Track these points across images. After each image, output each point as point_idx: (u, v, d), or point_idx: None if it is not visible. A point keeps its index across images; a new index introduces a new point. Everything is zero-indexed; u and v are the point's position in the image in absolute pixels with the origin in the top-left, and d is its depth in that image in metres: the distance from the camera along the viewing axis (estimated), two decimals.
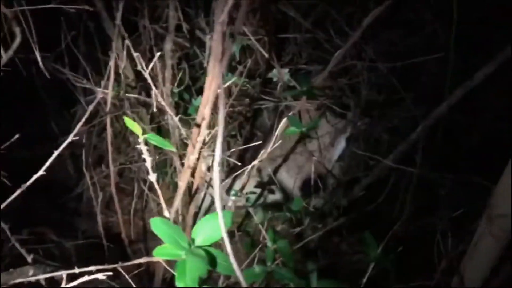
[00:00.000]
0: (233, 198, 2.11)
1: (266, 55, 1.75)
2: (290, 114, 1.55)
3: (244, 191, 2.06)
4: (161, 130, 2.38)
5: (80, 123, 1.45)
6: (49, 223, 2.43)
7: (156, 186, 1.01)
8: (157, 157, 2.47)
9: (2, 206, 1.33)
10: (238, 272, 0.77)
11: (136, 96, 1.82)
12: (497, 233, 1.09)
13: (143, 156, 1.02)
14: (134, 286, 1.43)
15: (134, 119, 2.26)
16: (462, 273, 1.20)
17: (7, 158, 1.53)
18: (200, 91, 2.40)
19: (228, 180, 2.16)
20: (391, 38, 1.92)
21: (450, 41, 1.56)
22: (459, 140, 1.86)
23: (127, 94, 1.86)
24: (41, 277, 1.10)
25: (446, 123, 1.78)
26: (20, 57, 1.73)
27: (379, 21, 1.47)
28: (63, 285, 1.27)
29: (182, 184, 1.35)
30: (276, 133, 1.67)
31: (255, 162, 1.72)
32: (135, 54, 1.27)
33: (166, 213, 1.00)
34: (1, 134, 1.62)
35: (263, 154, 1.74)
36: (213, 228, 0.98)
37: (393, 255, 1.22)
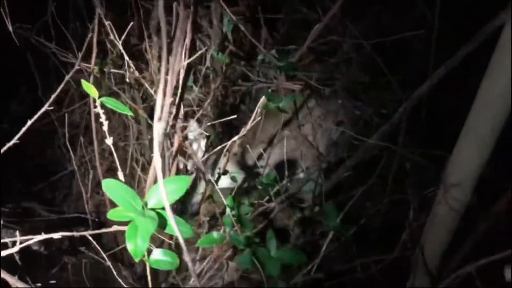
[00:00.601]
0: (225, 177, 2.12)
1: (249, 36, 1.73)
2: (269, 91, 1.54)
3: (229, 170, 2.07)
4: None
5: (55, 94, 1.47)
6: (40, 199, 2.48)
7: (113, 150, 1.01)
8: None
9: None
10: (175, 229, 0.78)
11: (120, 71, 1.82)
12: (452, 203, 1.08)
13: (101, 120, 1.02)
14: (105, 256, 1.46)
15: (123, 100, 2.30)
16: (423, 245, 1.19)
17: None
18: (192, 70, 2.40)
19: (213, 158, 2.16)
20: (380, 19, 1.89)
21: (434, 18, 1.53)
22: (444, 121, 1.84)
23: (112, 70, 1.86)
24: (7, 240, 1.12)
25: (430, 104, 1.76)
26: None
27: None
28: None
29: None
30: (256, 109, 1.67)
31: (234, 138, 1.73)
32: (106, 23, 1.27)
33: (120, 175, 1.01)
34: None
35: (243, 131, 1.75)
36: (170, 191, 0.98)
37: (350, 226, 1.21)
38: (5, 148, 1.36)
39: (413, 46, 1.80)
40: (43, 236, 1.09)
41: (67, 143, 1.92)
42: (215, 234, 1.13)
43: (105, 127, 1.00)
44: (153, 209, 0.97)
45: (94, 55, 1.73)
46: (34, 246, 1.44)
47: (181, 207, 2.22)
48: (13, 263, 1.48)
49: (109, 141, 1.01)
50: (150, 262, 0.99)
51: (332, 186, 2.00)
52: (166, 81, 1.13)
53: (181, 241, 0.76)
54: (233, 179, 2.02)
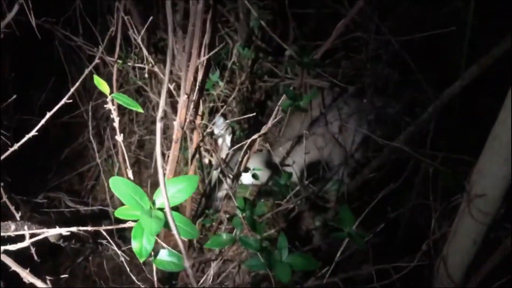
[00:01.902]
0: (247, 174, 2.09)
1: (269, 31, 1.69)
2: (290, 88, 1.50)
3: (251, 168, 2.04)
4: None
5: (75, 86, 1.47)
6: (67, 190, 2.53)
7: (122, 147, 1.00)
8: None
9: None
10: (174, 230, 0.75)
11: (144, 66, 1.81)
12: (475, 214, 1.01)
13: (112, 116, 1.01)
14: (116, 248, 1.46)
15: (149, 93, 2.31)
16: (445, 256, 1.12)
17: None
18: (219, 65, 2.38)
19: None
20: (410, 15, 1.80)
21: (469, 13, 1.44)
22: (478, 123, 1.73)
23: (136, 64, 1.86)
24: (22, 232, 1.13)
25: (464, 105, 1.67)
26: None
27: None
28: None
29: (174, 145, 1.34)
30: (277, 107, 1.63)
31: (255, 136, 1.69)
32: (125, 17, 1.26)
33: (129, 173, 0.99)
34: (21, 99, 1.69)
35: (264, 129, 1.71)
36: (176, 191, 0.96)
37: (365, 234, 1.15)
38: (24, 139, 1.37)
39: (444, 43, 1.71)
40: (56, 230, 1.10)
41: (90, 136, 1.93)
42: (224, 235, 1.10)
43: (116, 124, 0.99)
44: (160, 209, 0.95)
45: (117, 48, 1.73)
46: (52, 239, 1.45)
47: (206, 202, 2.21)
48: (35, 255, 1.52)
49: (119, 138, 0.99)
50: (156, 262, 0.97)
51: (357, 187, 1.93)
52: (181, 78, 1.11)
53: (180, 242, 0.73)
54: (254, 176, 1.99)
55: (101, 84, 0.98)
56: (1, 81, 2.14)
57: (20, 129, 1.46)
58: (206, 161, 2.36)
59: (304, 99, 1.39)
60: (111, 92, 0.98)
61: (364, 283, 1.23)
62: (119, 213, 0.95)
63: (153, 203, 0.94)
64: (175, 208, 0.97)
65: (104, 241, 1.97)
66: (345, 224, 1.15)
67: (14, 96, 1.56)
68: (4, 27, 1.47)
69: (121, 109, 2.74)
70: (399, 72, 1.87)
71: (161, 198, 0.96)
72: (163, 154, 2.21)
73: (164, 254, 0.98)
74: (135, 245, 0.91)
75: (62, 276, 1.12)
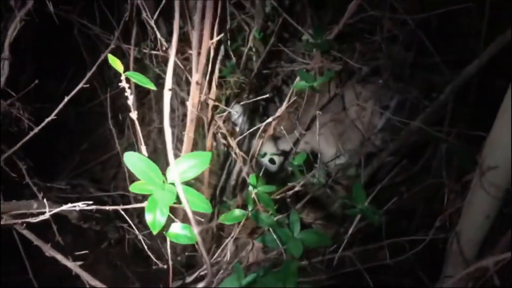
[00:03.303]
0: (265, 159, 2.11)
1: (284, 14, 1.69)
2: (303, 70, 1.50)
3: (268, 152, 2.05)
4: None
5: (91, 71, 1.52)
6: (91, 179, 2.60)
7: (136, 124, 1.02)
8: None
9: (18, 146, 1.42)
10: (184, 201, 0.77)
11: (159, 52, 1.84)
12: (488, 187, 0.99)
13: (126, 94, 1.03)
14: (137, 232, 1.49)
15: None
16: (459, 232, 1.11)
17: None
18: (236, 52, 2.39)
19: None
20: None
21: None
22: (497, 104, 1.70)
23: (152, 52, 1.89)
24: (44, 210, 1.17)
25: (481, 85, 1.64)
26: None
27: None
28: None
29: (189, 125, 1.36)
30: (291, 90, 1.63)
31: (269, 120, 1.70)
32: (138, 1, 1.28)
33: (143, 150, 1.02)
34: (41, 89, 1.74)
35: (278, 112, 1.71)
36: (190, 166, 0.98)
37: (378, 211, 1.15)
38: (44, 122, 1.43)
39: (462, 22, 1.67)
40: (74, 208, 1.14)
41: (110, 125, 1.98)
42: (237, 211, 1.12)
43: (130, 101, 1.01)
44: (173, 183, 0.97)
45: (133, 35, 1.76)
46: (73, 219, 1.50)
47: (224, 185, 2.24)
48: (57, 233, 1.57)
49: (133, 115, 1.02)
50: (169, 235, 1.00)
51: (374, 171, 1.92)
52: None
53: (190, 214, 0.75)
54: (271, 161, 2.00)
55: (115, 63, 1.00)
56: (23, 71, 2.20)
57: (41, 118, 1.51)
58: (223, 147, 2.39)
59: (318, 81, 1.39)
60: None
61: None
62: (134, 188, 0.98)
63: (166, 177, 0.97)
64: (189, 185, 1.00)
65: (125, 225, 2.02)
66: (358, 200, 1.15)
67: (36, 82, 1.60)
68: (24, 15, 1.52)
69: (140, 98, 2.79)
70: (415, 54, 1.85)
71: (172, 174, 0.99)
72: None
73: (177, 228, 1.00)
74: (148, 217, 0.93)
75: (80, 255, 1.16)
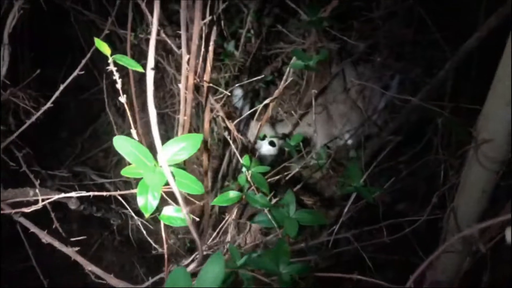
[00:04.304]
0: (265, 144, 2.10)
1: None
2: (299, 49, 1.47)
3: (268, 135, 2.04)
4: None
5: (87, 57, 1.51)
6: (93, 166, 2.61)
7: (126, 108, 1.01)
8: None
9: (15, 134, 1.43)
10: (171, 183, 0.77)
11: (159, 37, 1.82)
12: (483, 161, 0.97)
13: (114, 77, 1.02)
14: (135, 216, 1.49)
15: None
16: (455, 207, 1.09)
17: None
18: (234, 35, 2.37)
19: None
20: None
21: None
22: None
23: (148, 36, 1.87)
24: (40, 198, 1.18)
25: (482, 60, 1.60)
26: None
27: None
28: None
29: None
30: (288, 70, 1.61)
31: (266, 101, 1.68)
32: None
33: (133, 133, 1.01)
34: (40, 77, 1.74)
35: (277, 92, 1.69)
36: (179, 150, 0.97)
37: (373, 189, 1.14)
38: (44, 108, 1.42)
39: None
40: (69, 195, 1.14)
41: (109, 112, 1.97)
42: (231, 193, 1.11)
43: (118, 85, 1.00)
44: None
45: (130, 20, 1.74)
46: (72, 205, 1.50)
47: (226, 169, 2.24)
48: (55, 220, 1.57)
49: (122, 99, 1.01)
50: (162, 218, 0.99)
51: (375, 151, 1.90)
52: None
53: (177, 194, 0.74)
54: (271, 144, 1.99)
55: (102, 46, 0.99)
56: (22, 60, 2.19)
57: (41, 107, 1.51)
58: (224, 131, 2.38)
59: (313, 59, 1.37)
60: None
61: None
62: (125, 172, 0.97)
63: (156, 160, 0.96)
64: (183, 168, 0.99)
65: (127, 211, 2.02)
66: (354, 179, 1.14)
67: (38, 71, 1.60)
68: (22, 4, 1.51)
69: (143, 86, 2.78)
70: (415, 31, 1.81)
71: (165, 156, 0.98)
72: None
73: (170, 210, 1.00)
74: (140, 201, 0.92)
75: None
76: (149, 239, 1.35)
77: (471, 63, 1.60)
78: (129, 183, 2.28)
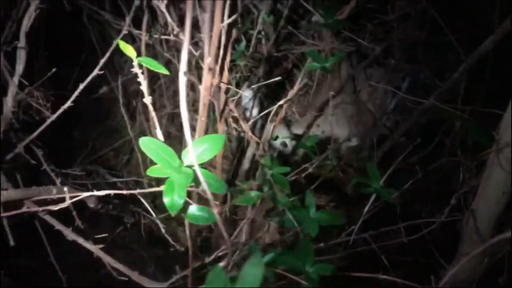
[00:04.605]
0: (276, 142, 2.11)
1: None
2: (315, 51, 1.49)
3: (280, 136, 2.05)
4: None
5: (105, 57, 1.52)
6: (104, 165, 2.63)
7: (151, 109, 1.03)
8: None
9: (36, 133, 1.44)
10: (203, 183, 0.78)
11: (170, 37, 1.84)
12: (505, 164, 0.99)
13: (139, 79, 1.04)
14: (154, 214, 1.51)
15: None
16: (475, 209, 1.11)
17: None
18: (245, 35, 2.38)
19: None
20: None
21: None
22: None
23: (163, 37, 1.89)
24: (64, 195, 1.19)
25: (497, 63, 1.62)
26: None
27: None
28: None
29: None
30: (303, 72, 1.63)
31: (281, 102, 1.70)
32: None
33: (158, 134, 1.03)
34: (54, 77, 1.76)
35: (291, 94, 1.71)
36: (204, 149, 0.99)
37: (393, 190, 1.15)
38: (60, 110, 1.44)
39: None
40: (93, 193, 1.15)
41: (122, 110, 1.99)
42: (252, 193, 1.13)
43: (143, 87, 1.02)
44: (189, 166, 0.98)
45: (145, 20, 1.76)
46: (91, 204, 1.52)
47: (236, 169, 2.25)
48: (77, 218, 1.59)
49: (147, 100, 1.02)
50: (187, 216, 1.01)
51: (385, 152, 1.92)
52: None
53: (209, 194, 0.76)
54: (283, 144, 2.01)
55: (127, 49, 1.00)
56: (37, 59, 2.21)
57: (56, 106, 1.53)
58: (234, 132, 2.40)
59: (329, 61, 1.38)
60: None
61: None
62: (151, 171, 0.99)
63: (182, 161, 0.98)
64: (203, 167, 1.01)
65: (140, 210, 2.05)
66: (373, 180, 1.16)
67: (54, 70, 1.62)
68: (39, 3, 1.52)
69: (151, 85, 2.80)
70: (428, 33, 1.82)
71: (189, 157, 1.00)
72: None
73: (194, 209, 1.02)
74: (166, 200, 0.94)
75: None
76: (168, 237, 1.37)
77: (485, 65, 1.61)
78: (140, 182, 2.29)
